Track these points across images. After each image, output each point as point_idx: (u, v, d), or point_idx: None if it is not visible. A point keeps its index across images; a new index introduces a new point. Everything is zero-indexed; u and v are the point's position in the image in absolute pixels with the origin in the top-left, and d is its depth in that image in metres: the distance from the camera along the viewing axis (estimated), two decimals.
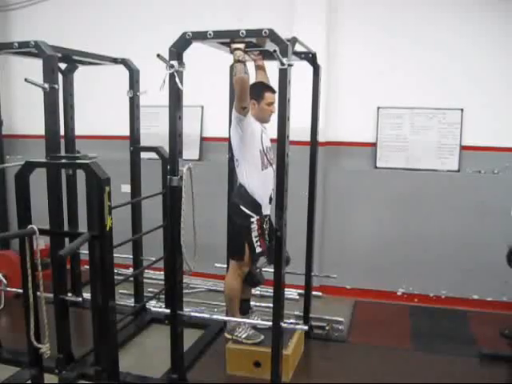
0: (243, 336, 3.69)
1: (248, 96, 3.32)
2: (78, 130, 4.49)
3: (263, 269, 3.94)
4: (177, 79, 3.05)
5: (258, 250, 3.56)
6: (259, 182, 3.56)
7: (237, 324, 3.72)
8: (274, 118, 3.01)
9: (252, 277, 3.80)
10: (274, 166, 3.57)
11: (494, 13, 4.69)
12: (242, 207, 3.56)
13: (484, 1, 4.70)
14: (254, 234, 3.54)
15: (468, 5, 4.73)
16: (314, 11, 4.89)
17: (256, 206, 3.56)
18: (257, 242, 3.55)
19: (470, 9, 4.74)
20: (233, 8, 5.21)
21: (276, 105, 3.23)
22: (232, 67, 3.19)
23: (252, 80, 3.52)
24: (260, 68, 3.67)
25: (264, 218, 3.62)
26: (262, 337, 3.66)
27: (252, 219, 3.55)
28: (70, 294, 3.84)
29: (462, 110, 4.85)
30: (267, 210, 3.65)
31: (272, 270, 3.20)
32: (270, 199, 3.64)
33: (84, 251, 3.61)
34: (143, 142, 4.50)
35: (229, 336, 3.76)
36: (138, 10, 5.57)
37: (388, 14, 4.90)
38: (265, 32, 2.83)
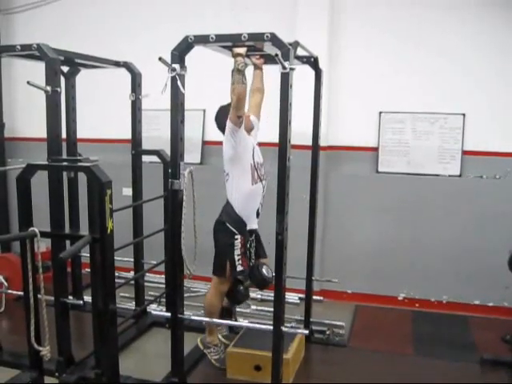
0: (214, 357, 3.77)
1: (244, 105, 3.33)
2: (80, 133, 4.50)
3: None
4: (179, 83, 3.05)
5: (239, 268, 3.56)
6: (248, 198, 3.56)
7: (211, 342, 3.80)
8: (276, 121, 3.00)
9: (235, 293, 3.77)
10: (264, 182, 3.62)
11: (497, 18, 4.69)
12: (227, 224, 3.57)
13: (488, 6, 4.69)
14: (237, 252, 3.55)
15: (471, 9, 4.74)
16: (316, 14, 4.89)
17: (241, 225, 3.58)
18: (239, 260, 3.55)
19: (473, 13, 4.74)
20: (234, 11, 5.22)
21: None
22: (232, 73, 3.20)
23: (250, 83, 3.54)
24: (258, 68, 3.68)
25: (248, 238, 3.62)
26: (222, 367, 3.73)
27: (236, 237, 3.55)
28: (70, 297, 3.85)
29: (463, 114, 4.85)
30: (254, 224, 3.66)
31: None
32: (258, 214, 3.66)
33: (85, 254, 3.60)
34: (145, 146, 4.51)
35: (201, 346, 3.82)
36: (140, 12, 5.58)
37: (390, 18, 4.90)
38: (267, 36, 2.84)
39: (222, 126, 3.56)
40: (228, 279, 3.63)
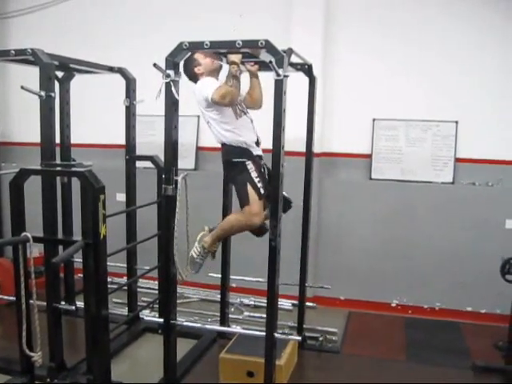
0: (195, 255, 3.61)
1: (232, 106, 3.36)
2: (74, 138, 4.49)
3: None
4: (173, 88, 3.07)
5: (262, 191, 3.40)
6: (239, 131, 3.46)
7: (206, 243, 3.61)
8: (269, 128, 3.01)
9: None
10: (249, 115, 3.56)
11: (491, 26, 4.74)
12: (233, 160, 3.47)
13: (482, 13, 4.75)
14: (254, 174, 3.42)
15: (464, 17, 4.78)
16: (311, 22, 4.91)
17: (245, 152, 3.46)
18: (259, 182, 3.40)
19: (468, 21, 4.79)
20: (229, 17, 5.23)
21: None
22: (227, 78, 3.21)
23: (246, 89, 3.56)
24: (254, 76, 3.68)
25: (259, 161, 3.52)
26: (193, 272, 3.60)
27: (247, 163, 3.44)
28: (63, 303, 3.83)
29: (456, 122, 4.88)
30: (257, 151, 3.54)
31: (266, 281, 3.20)
32: (258, 143, 3.54)
33: (78, 259, 3.60)
34: (139, 151, 4.51)
35: (197, 238, 3.65)
36: (135, 18, 5.59)
37: (385, 26, 4.94)
38: (261, 43, 2.85)
39: (191, 76, 3.53)
40: (259, 210, 3.39)
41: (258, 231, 3.67)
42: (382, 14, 4.94)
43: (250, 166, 3.44)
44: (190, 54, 3.35)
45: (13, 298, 3.28)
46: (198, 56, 3.47)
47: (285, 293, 4.19)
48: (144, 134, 5.40)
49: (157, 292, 4.71)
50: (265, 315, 3.25)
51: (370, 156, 5.12)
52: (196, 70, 3.48)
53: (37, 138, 3.27)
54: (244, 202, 3.43)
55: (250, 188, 3.40)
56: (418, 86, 4.93)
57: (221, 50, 3.15)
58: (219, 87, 3.25)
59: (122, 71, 4.29)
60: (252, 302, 5.04)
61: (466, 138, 4.88)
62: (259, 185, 3.40)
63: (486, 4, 4.74)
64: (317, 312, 5.06)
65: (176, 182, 3.23)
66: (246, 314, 4.85)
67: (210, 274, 4.44)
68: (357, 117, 5.11)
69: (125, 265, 4.54)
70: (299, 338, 3.79)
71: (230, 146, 3.48)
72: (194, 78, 3.52)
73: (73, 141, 4.46)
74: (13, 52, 3.34)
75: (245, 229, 3.54)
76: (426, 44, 4.87)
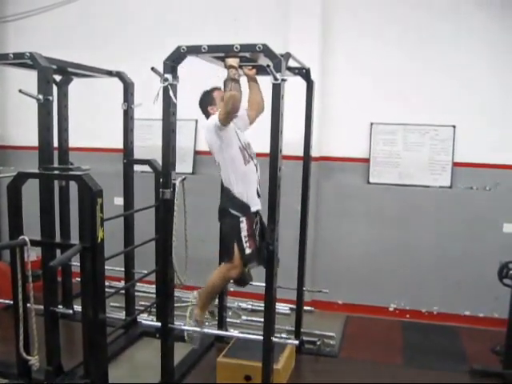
0: (189, 328, 3.63)
1: (237, 112, 3.35)
2: (72, 142, 4.49)
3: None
4: (171, 92, 3.07)
5: (248, 251, 3.44)
6: (244, 179, 3.49)
7: (197, 316, 3.64)
8: (267, 131, 3.01)
9: (240, 276, 3.64)
10: (256, 161, 3.59)
11: (491, 32, 4.76)
12: (230, 210, 3.49)
13: (479, 18, 4.76)
14: (244, 233, 3.45)
15: (461, 22, 4.80)
16: (308, 26, 4.93)
17: (245, 208, 3.49)
18: (246, 242, 3.44)
19: (464, 27, 4.80)
20: (228, 23, 5.25)
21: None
22: (225, 82, 3.21)
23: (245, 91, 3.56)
24: (252, 80, 3.69)
25: (254, 218, 3.54)
26: (194, 346, 3.69)
27: (241, 219, 3.47)
28: (60, 306, 3.83)
29: (454, 126, 4.89)
30: (257, 205, 3.57)
31: (263, 285, 3.20)
32: (258, 194, 3.58)
33: (75, 263, 3.60)
34: (137, 155, 4.51)
35: (187, 314, 3.68)
36: (133, 23, 5.60)
37: (382, 30, 4.95)
38: (259, 47, 2.86)
39: (204, 111, 3.61)
40: (238, 265, 3.48)
41: (242, 283, 3.77)
42: (381, 20, 4.96)
43: (244, 223, 3.47)
44: (210, 90, 3.55)
45: (10, 302, 3.28)
46: (217, 95, 3.53)
47: (282, 297, 4.19)
48: (142, 138, 5.41)
49: (154, 296, 4.71)
50: (262, 319, 3.25)
51: (367, 160, 5.12)
52: (209, 108, 3.55)
53: (35, 142, 3.28)
54: (225, 255, 3.57)
55: (235, 247, 3.46)
56: (416, 90, 4.94)
57: (219, 54, 3.15)
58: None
59: (120, 75, 4.29)
60: (250, 306, 5.03)
61: (464, 142, 4.89)
62: (245, 245, 3.45)
63: (480, 7, 4.75)
64: (314, 316, 5.07)
65: (174, 185, 3.24)
66: (244, 317, 4.85)
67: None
68: (355, 121, 5.11)
69: (122, 268, 4.53)
70: (297, 342, 3.78)
71: (233, 195, 3.49)
72: (205, 113, 3.59)
73: (71, 144, 4.47)
74: (11, 55, 3.35)
75: (227, 280, 3.62)
76: (423, 51, 4.88)
